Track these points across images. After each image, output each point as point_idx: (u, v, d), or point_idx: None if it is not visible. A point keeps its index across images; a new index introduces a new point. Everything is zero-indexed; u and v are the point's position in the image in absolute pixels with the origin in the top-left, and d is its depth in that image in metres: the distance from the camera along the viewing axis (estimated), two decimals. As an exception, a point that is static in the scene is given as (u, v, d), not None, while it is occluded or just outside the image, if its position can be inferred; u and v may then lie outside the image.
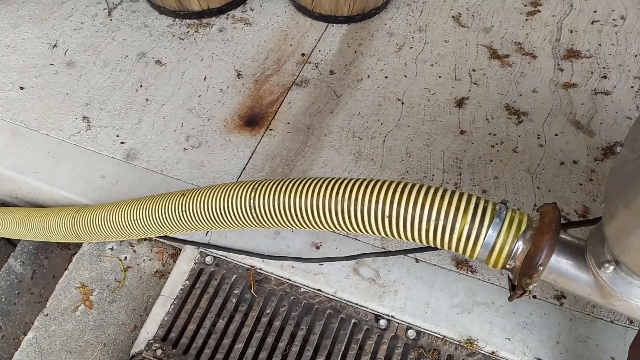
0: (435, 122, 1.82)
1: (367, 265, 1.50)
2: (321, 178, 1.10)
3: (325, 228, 1.10)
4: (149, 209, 1.37)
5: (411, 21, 2.16)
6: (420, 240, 0.98)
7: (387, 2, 2.20)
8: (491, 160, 1.71)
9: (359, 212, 1.01)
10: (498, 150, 1.73)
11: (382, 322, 1.42)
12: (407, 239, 1.01)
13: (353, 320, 1.43)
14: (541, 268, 0.82)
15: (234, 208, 1.18)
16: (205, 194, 1.24)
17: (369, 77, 1.96)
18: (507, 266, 0.91)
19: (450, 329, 1.38)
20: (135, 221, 1.40)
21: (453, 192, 0.96)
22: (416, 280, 1.47)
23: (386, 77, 1.96)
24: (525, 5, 2.21)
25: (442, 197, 0.95)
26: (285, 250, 1.53)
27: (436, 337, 1.39)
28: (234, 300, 1.47)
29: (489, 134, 1.78)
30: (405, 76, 1.96)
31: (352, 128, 1.81)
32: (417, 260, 1.50)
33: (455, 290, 1.44)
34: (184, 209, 1.28)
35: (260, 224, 1.18)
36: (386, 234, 1.02)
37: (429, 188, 0.97)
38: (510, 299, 0.92)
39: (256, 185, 1.18)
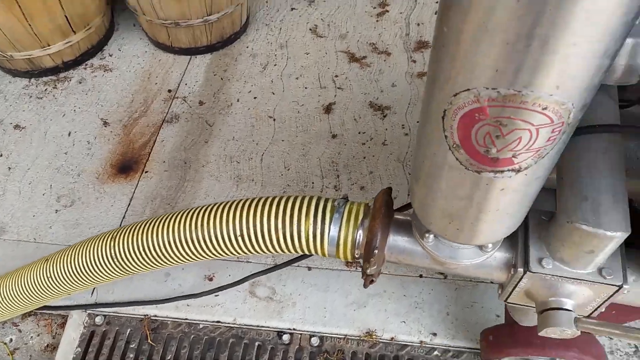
0: (307, 132, 1.87)
1: (263, 284, 1.51)
2: (173, 213, 1.09)
3: (190, 260, 1.09)
4: (16, 282, 1.28)
5: (272, 40, 2.22)
6: (276, 250, 1.00)
7: (245, 26, 2.25)
8: (364, 157, 1.79)
9: (213, 237, 1.01)
10: (369, 147, 1.82)
11: (285, 337, 1.42)
12: (265, 252, 1.02)
13: (257, 343, 1.42)
14: (376, 251, 0.87)
15: (97, 262, 1.14)
16: (64, 255, 1.18)
17: (238, 100, 1.99)
18: (356, 256, 0.95)
19: (349, 326, 1.41)
20: (5, 298, 1.30)
21: (295, 198, 0.99)
22: (311, 288, 1.49)
23: (255, 98, 2.00)
24: (375, 8, 2.35)
25: (286, 205, 0.98)
26: (178, 290, 1.50)
27: (338, 338, 1.41)
28: (131, 356, 1.41)
29: (359, 132, 1.86)
30: (274, 93, 2.01)
31: (229, 153, 1.82)
32: (309, 269, 1.53)
33: (348, 289, 1.48)
34: (48, 275, 1.22)
35: (127, 272, 1.15)
36: (245, 252, 1.03)
37: (273, 199, 1.00)
38: (364, 286, 0.96)
39: (114, 234, 1.14)
